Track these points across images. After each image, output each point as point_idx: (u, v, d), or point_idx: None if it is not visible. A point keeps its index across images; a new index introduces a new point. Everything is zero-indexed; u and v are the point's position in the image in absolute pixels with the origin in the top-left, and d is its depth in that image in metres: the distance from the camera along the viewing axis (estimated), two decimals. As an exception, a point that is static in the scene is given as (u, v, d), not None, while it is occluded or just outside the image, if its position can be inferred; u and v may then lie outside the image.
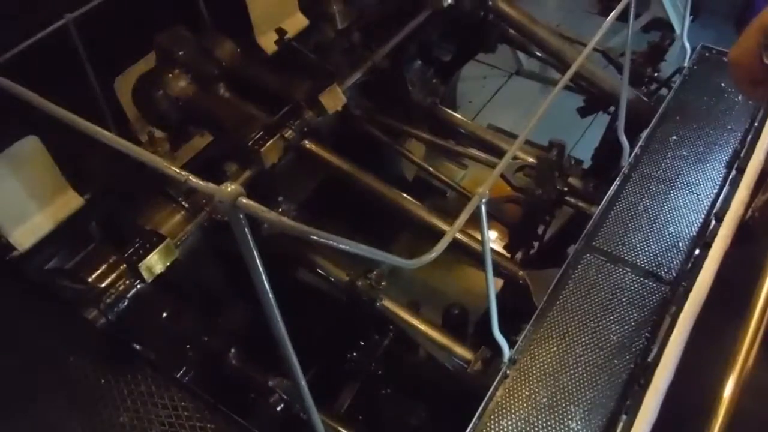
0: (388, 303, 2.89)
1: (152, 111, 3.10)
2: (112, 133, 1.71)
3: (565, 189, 3.12)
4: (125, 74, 3.17)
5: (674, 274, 2.57)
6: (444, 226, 3.08)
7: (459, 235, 2.92)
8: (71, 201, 3.07)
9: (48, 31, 2.76)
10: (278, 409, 2.56)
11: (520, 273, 2.91)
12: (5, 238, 2.87)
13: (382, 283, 2.86)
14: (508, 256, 3.41)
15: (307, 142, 3.05)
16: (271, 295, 1.55)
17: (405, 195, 3.23)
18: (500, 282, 3.37)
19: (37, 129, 2.82)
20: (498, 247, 3.69)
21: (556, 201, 3.15)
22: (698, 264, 2.49)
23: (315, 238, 1.36)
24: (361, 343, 3.11)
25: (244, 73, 3.16)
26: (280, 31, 3.54)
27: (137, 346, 2.57)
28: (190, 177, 1.40)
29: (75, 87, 2.95)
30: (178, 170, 1.43)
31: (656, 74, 3.87)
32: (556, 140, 3.13)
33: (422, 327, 2.85)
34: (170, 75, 3.05)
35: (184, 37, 3.12)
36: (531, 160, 3.26)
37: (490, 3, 3.81)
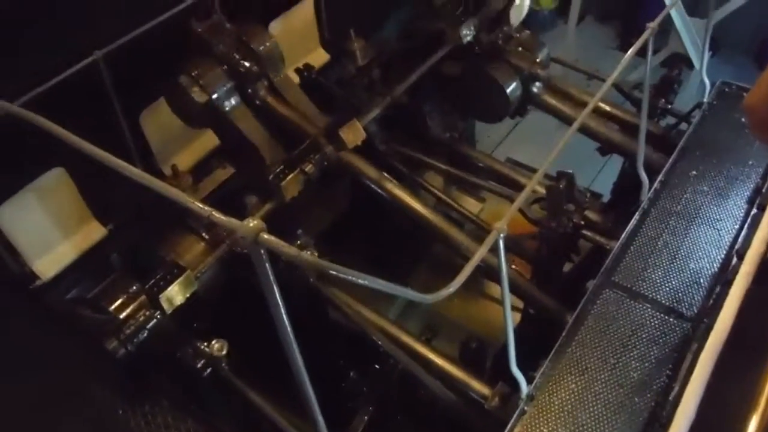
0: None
1: (184, 109, 3.09)
2: (137, 167, 1.75)
3: (582, 222, 3.10)
4: (151, 108, 3.25)
5: (695, 311, 2.54)
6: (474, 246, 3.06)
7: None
8: (94, 231, 3.13)
9: (78, 68, 2.84)
10: (205, 374, 2.58)
11: (567, 317, 2.85)
12: (29, 267, 2.92)
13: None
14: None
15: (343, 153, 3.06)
16: (289, 328, 1.57)
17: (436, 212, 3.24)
18: (518, 316, 3.36)
19: (64, 161, 2.89)
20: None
21: (573, 234, 3.13)
22: (720, 301, 2.46)
23: (334, 272, 1.37)
24: (376, 366, 3.10)
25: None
26: (306, 67, 3.61)
27: (155, 377, 2.59)
28: (213, 212, 1.42)
29: (102, 120, 3.02)
30: (201, 205, 1.46)
31: (669, 106, 3.88)
32: (564, 171, 3.14)
33: (439, 361, 2.83)
34: (206, 69, 2.98)
35: (224, 29, 3.06)
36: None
37: (534, 91, 3.86)
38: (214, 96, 2.97)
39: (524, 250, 3.50)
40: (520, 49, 3.75)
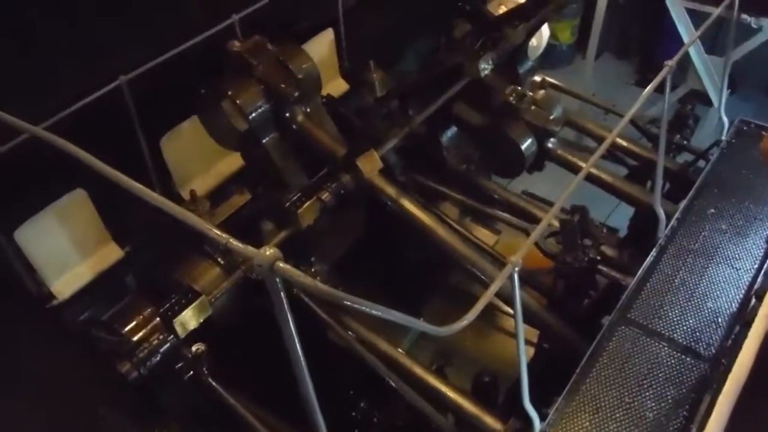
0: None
1: (219, 130, 3.10)
2: (156, 190, 1.78)
3: (598, 258, 3.07)
4: (171, 133, 3.30)
5: (713, 351, 2.49)
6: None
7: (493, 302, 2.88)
8: (112, 253, 3.16)
9: (102, 92, 2.90)
10: (186, 377, 2.58)
11: (584, 349, 2.82)
12: (46, 287, 2.95)
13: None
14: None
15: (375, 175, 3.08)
16: (301, 357, 1.57)
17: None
18: (532, 350, 3.32)
19: (86, 183, 2.94)
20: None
21: (589, 270, 3.10)
22: (738, 342, 2.42)
23: (348, 303, 1.38)
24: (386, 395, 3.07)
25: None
26: (328, 97, 3.65)
27: (166, 400, 2.58)
28: (230, 239, 1.44)
29: (124, 144, 3.07)
30: (219, 232, 1.48)
31: (685, 142, 3.87)
32: (578, 205, 3.14)
33: (451, 394, 2.80)
34: (247, 97, 2.97)
35: (265, 49, 3.06)
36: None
37: (549, 147, 3.92)
38: (253, 124, 3.00)
39: (540, 284, 3.47)
40: (533, 107, 3.80)
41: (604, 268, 3.13)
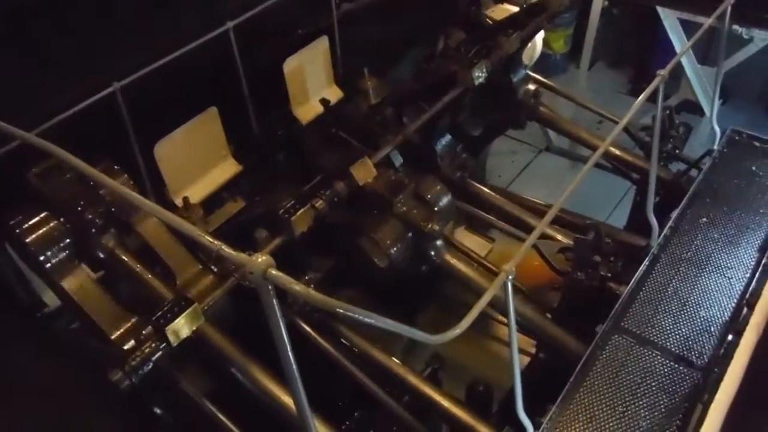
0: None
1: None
2: (149, 198, 1.77)
3: (609, 275, 3.05)
4: (165, 140, 3.29)
5: (706, 360, 2.50)
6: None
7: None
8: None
9: (96, 98, 2.90)
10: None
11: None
12: (38, 295, 2.93)
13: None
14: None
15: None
16: (294, 365, 1.56)
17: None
18: (526, 359, 3.31)
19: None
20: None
21: (601, 288, 3.07)
22: (731, 351, 2.43)
23: (341, 311, 1.37)
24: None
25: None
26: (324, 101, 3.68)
27: (158, 410, 2.57)
28: (223, 246, 1.43)
29: (117, 151, 3.06)
30: (211, 239, 1.47)
31: (677, 151, 3.89)
32: (592, 222, 3.11)
33: (445, 403, 2.80)
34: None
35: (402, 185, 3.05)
36: (567, 240, 3.22)
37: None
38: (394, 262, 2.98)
39: (546, 301, 3.44)
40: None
41: (613, 285, 3.10)
